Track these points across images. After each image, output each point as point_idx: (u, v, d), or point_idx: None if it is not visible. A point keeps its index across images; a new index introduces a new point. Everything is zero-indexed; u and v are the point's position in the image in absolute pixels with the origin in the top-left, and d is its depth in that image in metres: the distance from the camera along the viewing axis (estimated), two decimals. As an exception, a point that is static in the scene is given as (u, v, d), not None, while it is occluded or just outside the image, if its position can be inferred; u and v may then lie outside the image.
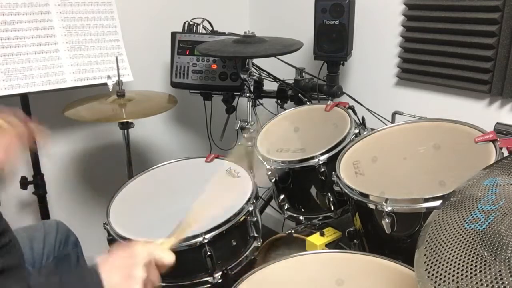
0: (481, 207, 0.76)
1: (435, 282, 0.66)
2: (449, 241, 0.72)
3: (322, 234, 1.43)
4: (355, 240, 1.34)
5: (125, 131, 1.77)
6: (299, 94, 1.91)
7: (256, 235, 1.36)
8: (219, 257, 1.24)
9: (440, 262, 0.69)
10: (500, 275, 0.61)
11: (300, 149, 1.56)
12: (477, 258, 0.66)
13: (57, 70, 1.65)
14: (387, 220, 1.11)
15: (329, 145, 1.41)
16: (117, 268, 0.87)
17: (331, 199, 1.46)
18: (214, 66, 1.96)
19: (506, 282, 0.59)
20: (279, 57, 1.98)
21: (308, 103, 1.86)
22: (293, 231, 1.48)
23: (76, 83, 1.70)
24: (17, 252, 1.03)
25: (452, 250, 0.70)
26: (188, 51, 1.98)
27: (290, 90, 1.95)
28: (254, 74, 1.80)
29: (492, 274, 0.61)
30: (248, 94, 1.77)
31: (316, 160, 1.40)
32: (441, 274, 0.67)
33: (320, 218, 1.53)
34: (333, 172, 1.33)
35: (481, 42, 1.49)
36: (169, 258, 0.91)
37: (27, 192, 1.80)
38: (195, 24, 2.02)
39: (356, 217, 1.29)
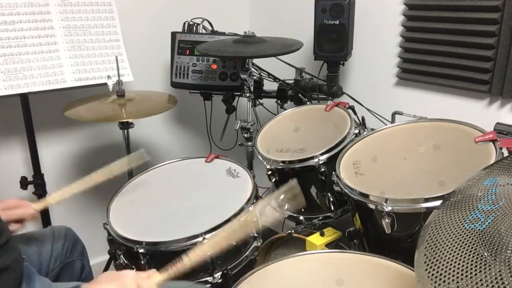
0: (481, 207, 0.76)
1: (435, 282, 0.66)
2: (449, 241, 0.72)
3: (322, 234, 1.43)
4: (355, 240, 1.34)
5: (125, 131, 1.77)
6: (299, 94, 1.91)
7: (256, 235, 1.36)
8: (219, 257, 1.24)
9: (440, 262, 0.69)
10: (500, 275, 0.61)
11: (300, 149, 1.56)
12: (477, 258, 0.66)
13: (57, 70, 1.65)
14: (387, 220, 1.11)
15: (329, 145, 1.41)
16: None
17: (331, 199, 1.47)
18: (214, 66, 1.96)
19: (506, 282, 0.59)
20: (279, 57, 1.98)
21: (308, 103, 1.86)
22: (293, 231, 1.48)
23: (76, 83, 1.70)
24: (14, 252, 1.03)
25: (452, 250, 0.70)
26: (188, 51, 1.98)
27: (290, 90, 1.95)
28: (254, 74, 1.80)
29: (492, 274, 0.61)
30: (248, 94, 1.77)
31: (316, 160, 1.40)
32: (441, 274, 0.67)
33: (320, 218, 1.53)
34: (333, 172, 1.33)
35: (481, 42, 1.49)
36: None
37: (27, 192, 1.80)
38: (195, 24, 2.02)
39: (356, 217, 1.29)
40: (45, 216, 1.83)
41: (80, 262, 1.40)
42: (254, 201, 1.35)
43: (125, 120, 1.70)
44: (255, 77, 1.81)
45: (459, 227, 0.74)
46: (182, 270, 0.98)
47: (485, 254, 0.65)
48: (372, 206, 1.16)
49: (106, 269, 1.86)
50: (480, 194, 0.80)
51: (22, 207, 1.20)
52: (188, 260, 0.98)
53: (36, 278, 1.09)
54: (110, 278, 0.93)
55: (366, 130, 1.53)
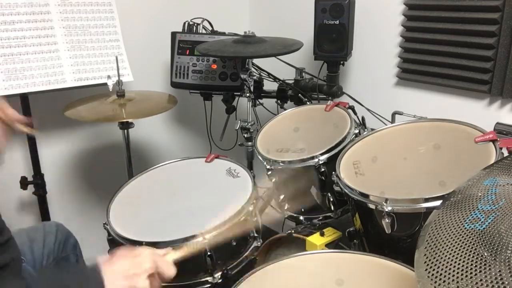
0: (481, 207, 0.76)
1: (435, 282, 0.66)
2: (449, 241, 0.72)
3: (322, 234, 1.43)
4: (355, 240, 1.34)
5: (125, 131, 1.77)
6: (299, 94, 1.91)
7: (256, 235, 1.36)
8: (219, 257, 1.23)
9: (440, 262, 0.69)
10: (500, 275, 0.61)
11: (300, 149, 1.56)
12: (477, 258, 0.66)
13: (57, 70, 1.65)
14: (387, 220, 1.11)
15: (329, 145, 1.41)
16: (121, 275, 0.87)
17: (331, 199, 1.46)
18: (214, 66, 1.96)
19: (506, 282, 0.59)
20: (279, 57, 1.98)
21: (308, 103, 1.86)
22: (293, 231, 1.48)
23: (76, 83, 1.70)
24: (14, 251, 1.03)
25: (452, 250, 0.70)
26: (188, 51, 1.97)
27: (290, 90, 1.95)
28: (254, 74, 1.79)
29: (492, 274, 0.61)
30: (248, 94, 1.77)
31: (316, 160, 1.40)
32: (441, 274, 0.67)
33: (320, 218, 1.53)
34: (333, 172, 1.32)
35: (481, 42, 1.49)
36: (172, 272, 0.92)
37: (27, 192, 1.80)
38: (195, 24, 2.02)
39: (356, 217, 1.29)
40: (45, 216, 1.83)
41: (74, 256, 1.40)
42: (254, 201, 1.35)
43: (125, 120, 1.70)
44: (255, 77, 1.81)
45: (459, 227, 0.74)
46: (197, 248, 0.99)
47: (485, 254, 0.65)
48: (372, 206, 1.16)
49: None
50: (480, 194, 0.80)
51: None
52: (203, 240, 0.98)
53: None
54: (125, 254, 0.93)
55: (366, 130, 1.53)
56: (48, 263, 1.31)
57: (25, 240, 1.28)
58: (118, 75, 1.68)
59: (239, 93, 1.99)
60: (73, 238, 1.42)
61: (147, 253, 0.92)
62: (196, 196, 1.44)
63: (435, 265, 0.69)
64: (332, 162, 1.38)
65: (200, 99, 2.10)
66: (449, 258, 0.69)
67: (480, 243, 0.68)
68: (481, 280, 0.62)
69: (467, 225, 0.73)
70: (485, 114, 1.56)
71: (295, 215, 1.57)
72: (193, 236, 1.18)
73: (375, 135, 1.43)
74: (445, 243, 0.72)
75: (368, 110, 1.80)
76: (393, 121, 1.67)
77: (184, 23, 2.02)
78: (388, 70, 1.85)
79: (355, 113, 1.61)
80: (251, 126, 1.79)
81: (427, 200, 1.06)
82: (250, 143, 1.81)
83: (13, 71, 1.56)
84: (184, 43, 1.98)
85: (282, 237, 1.50)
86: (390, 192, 1.19)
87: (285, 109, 1.82)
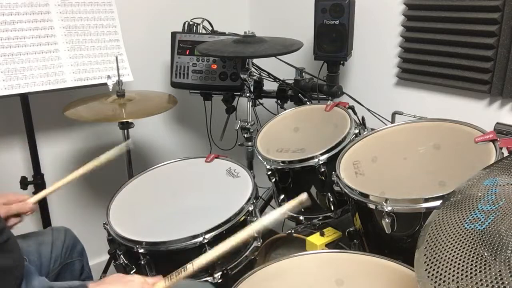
0: (481, 207, 0.76)
1: (435, 282, 0.66)
2: (449, 241, 0.72)
3: (322, 234, 1.43)
4: (355, 240, 1.34)
5: (125, 131, 1.77)
6: (299, 94, 1.91)
7: (256, 235, 1.36)
8: (219, 257, 1.23)
9: (440, 262, 0.69)
10: (500, 275, 0.61)
11: (300, 149, 1.57)
12: (477, 258, 0.66)
13: (57, 70, 1.65)
14: (387, 220, 1.11)
15: (329, 145, 1.41)
16: None
17: (331, 199, 1.46)
18: (214, 66, 1.96)
19: (506, 282, 0.59)
20: (279, 57, 1.98)
21: (308, 103, 1.86)
22: (293, 231, 1.48)
23: (76, 83, 1.70)
24: (14, 251, 1.03)
25: (452, 250, 0.70)
26: (188, 51, 1.98)
27: (290, 90, 1.95)
28: (254, 74, 1.79)
29: (492, 274, 0.61)
30: (248, 94, 1.77)
31: (316, 160, 1.40)
32: (441, 274, 0.67)
33: (320, 218, 1.53)
34: (333, 172, 1.33)
35: (481, 42, 1.49)
36: None
37: (27, 192, 1.79)
38: (195, 24, 2.02)
39: (356, 217, 1.29)
40: (45, 216, 1.83)
41: (80, 263, 1.40)
42: (254, 201, 1.35)
43: (125, 120, 1.70)
44: (255, 77, 1.81)
45: (459, 227, 0.74)
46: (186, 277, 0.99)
47: (485, 254, 0.65)
48: (372, 206, 1.16)
49: (106, 269, 1.86)
50: (480, 194, 0.80)
51: (21, 201, 1.21)
52: (192, 268, 0.99)
53: (34, 277, 1.10)
54: (116, 280, 0.94)
55: (366, 130, 1.53)
56: (55, 267, 1.31)
57: (33, 243, 1.29)
58: (118, 75, 1.68)
59: (239, 93, 1.99)
60: (80, 244, 1.42)
61: (137, 281, 0.94)
62: (196, 196, 1.44)
63: (435, 265, 0.69)
64: (332, 162, 1.38)
65: (200, 99, 2.10)
66: (449, 258, 0.69)
67: (480, 243, 0.68)
68: (481, 280, 0.62)
69: (467, 225, 0.73)
70: (485, 114, 1.56)
71: (295, 215, 1.57)
72: (193, 236, 1.18)
73: (375, 135, 1.43)
74: (445, 243, 0.72)
75: (368, 110, 1.80)
76: (393, 121, 1.67)
77: (184, 23, 2.02)
78: (388, 70, 1.85)
79: (355, 113, 1.61)
80: (251, 126, 1.79)
81: (427, 200, 1.06)
82: (250, 143, 1.81)
83: (13, 71, 1.56)
84: (184, 43, 1.98)
85: (282, 237, 1.50)
86: (390, 192, 1.19)
87: (285, 109, 1.82)
